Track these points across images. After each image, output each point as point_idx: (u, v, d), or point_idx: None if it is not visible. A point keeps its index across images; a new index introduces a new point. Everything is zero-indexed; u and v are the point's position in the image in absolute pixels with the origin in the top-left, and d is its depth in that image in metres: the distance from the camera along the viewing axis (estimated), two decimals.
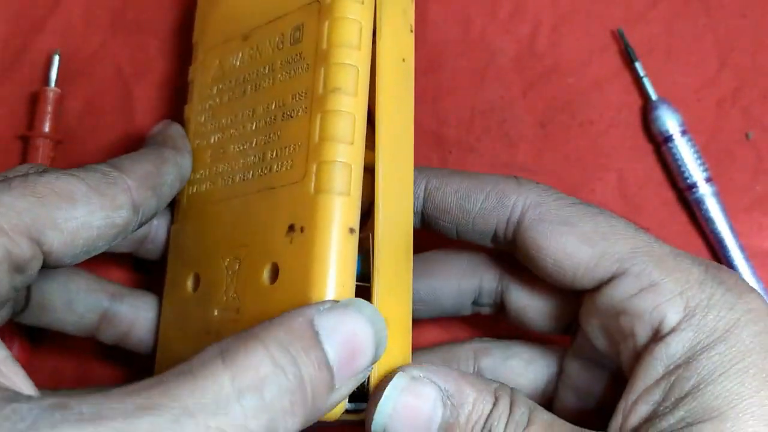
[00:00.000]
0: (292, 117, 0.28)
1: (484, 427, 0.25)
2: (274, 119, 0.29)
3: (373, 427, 0.25)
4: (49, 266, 0.26)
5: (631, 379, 0.26)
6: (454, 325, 0.36)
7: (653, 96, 0.37)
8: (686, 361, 0.25)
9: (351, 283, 0.25)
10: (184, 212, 0.32)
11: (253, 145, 0.29)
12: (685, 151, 0.36)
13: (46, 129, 0.36)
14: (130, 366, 0.36)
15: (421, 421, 0.25)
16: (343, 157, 0.26)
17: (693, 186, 0.36)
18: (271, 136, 0.28)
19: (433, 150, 0.38)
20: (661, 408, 0.25)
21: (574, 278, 0.28)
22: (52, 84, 0.37)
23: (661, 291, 0.26)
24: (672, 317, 0.26)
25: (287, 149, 0.28)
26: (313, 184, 0.26)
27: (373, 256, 0.27)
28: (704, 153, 0.36)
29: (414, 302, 0.28)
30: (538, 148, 0.37)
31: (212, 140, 0.31)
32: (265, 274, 0.27)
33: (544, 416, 0.26)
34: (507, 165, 0.37)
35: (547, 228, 0.28)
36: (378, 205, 0.27)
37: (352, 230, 0.26)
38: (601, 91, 0.38)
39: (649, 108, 0.37)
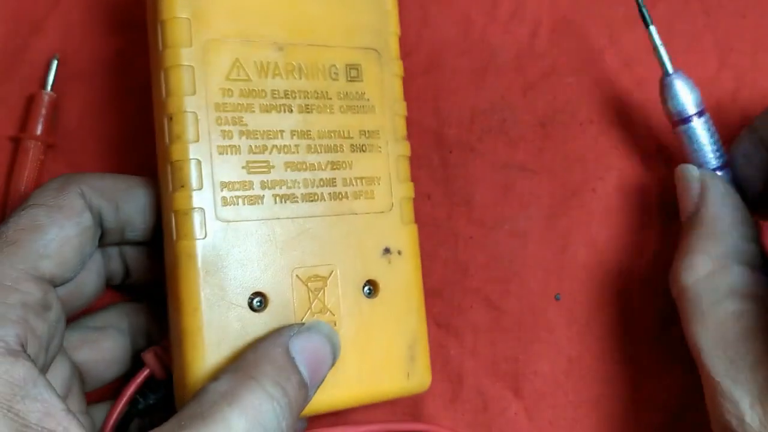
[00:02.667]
0: (364, 151, 0.33)
1: None
2: (341, 148, 0.32)
3: None
4: (58, 285, 0.29)
5: None
6: None
7: (669, 69, 0.33)
8: None
9: None
10: (219, 226, 0.30)
11: (315, 167, 0.31)
12: (703, 134, 0.33)
13: (38, 132, 0.36)
14: None
15: None
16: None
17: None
18: (340, 164, 0.32)
19: (433, 150, 0.38)
20: None
21: None
22: (49, 88, 0.36)
23: None
24: None
25: (363, 181, 0.32)
26: (401, 217, 0.33)
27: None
28: None
29: None
30: (538, 148, 0.37)
31: (240, 150, 0.30)
32: (364, 290, 0.32)
33: None
34: (507, 165, 0.37)
35: None
36: None
37: None
38: (601, 91, 0.38)
39: (665, 84, 0.33)
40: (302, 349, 0.28)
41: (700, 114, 0.33)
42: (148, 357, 0.31)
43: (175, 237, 0.29)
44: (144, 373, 0.31)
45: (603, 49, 0.38)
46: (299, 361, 0.28)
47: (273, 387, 0.26)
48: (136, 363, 0.33)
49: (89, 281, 0.32)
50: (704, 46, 0.38)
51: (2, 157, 0.37)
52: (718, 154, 0.33)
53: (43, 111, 0.36)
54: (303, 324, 0.29)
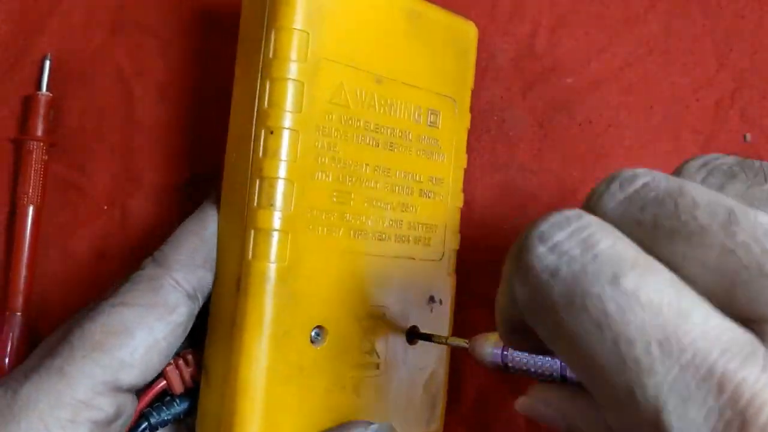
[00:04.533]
0: (429, 197, 0.33)
1: None
2: (411, 191, 0.32)
3: None
4: (138, 389, 0.27)
5: None
6: None
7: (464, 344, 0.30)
8: None
9: None
10: (297, 252, 0.28)
11: (389, 208, 0.31)
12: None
13: (39, 133, 0.36)
14: None
15: None
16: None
17: None
18: (409, 207, 0.32)
19: None
20: None
21: None
22: (44, 89, 0.36)
23: None
24: None
25: (423, 226, 0.33)
26: (448, 267, 0.34)
27: None
28: (702, 154, 0.36)
29: None
30: (538, 148, 0.37)
31: (330, 177, 0.29)
32: (405, 336, 0.32)
33: None
34: (507, 165, 0.37)
35: None
36: None
37: None
38: (601, 91, 0.38)
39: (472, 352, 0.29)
40: None
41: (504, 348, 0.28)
42: (169, 370, 0.30)
43: (250, 256, 0.28)
44: (159, 386, 0.30)
45: (603, 48, 0.38)
46: None
47: None
48: None
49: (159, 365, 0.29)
50: (704, 47, 0.38)
51: (4, 157, 0.37)
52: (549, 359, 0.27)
53: (41, 111, 0.36)
54: (369, 425, 0.29)
